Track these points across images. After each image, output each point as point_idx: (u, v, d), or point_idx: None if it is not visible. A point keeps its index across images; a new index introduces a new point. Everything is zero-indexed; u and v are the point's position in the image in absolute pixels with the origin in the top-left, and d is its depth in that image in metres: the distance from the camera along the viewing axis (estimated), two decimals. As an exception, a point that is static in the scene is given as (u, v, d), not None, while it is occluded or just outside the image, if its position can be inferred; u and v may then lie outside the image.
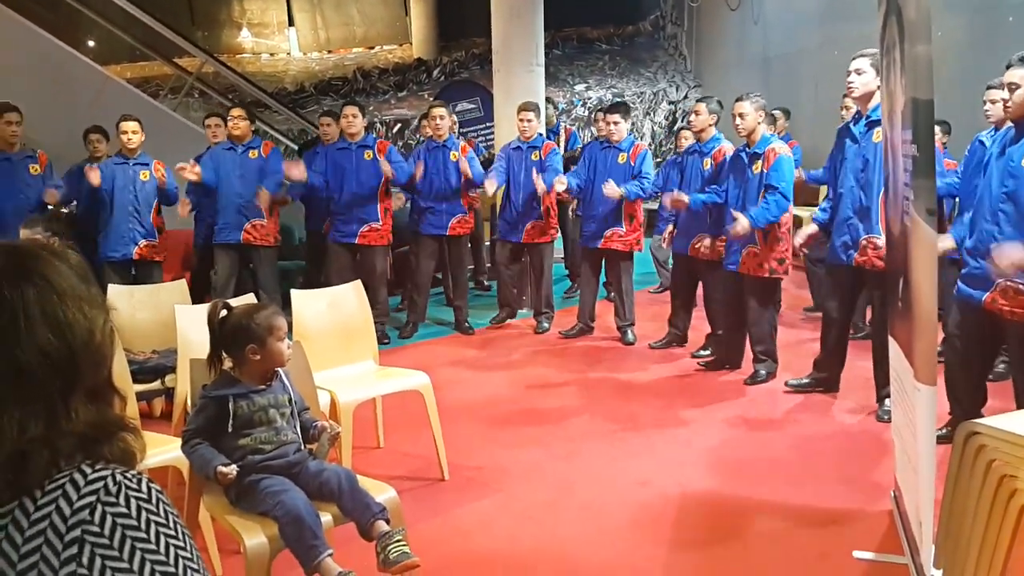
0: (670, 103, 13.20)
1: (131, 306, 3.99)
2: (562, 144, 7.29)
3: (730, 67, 12.34)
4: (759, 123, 4.71)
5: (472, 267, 8.07)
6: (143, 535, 0.90)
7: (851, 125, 4.17)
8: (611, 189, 5.51)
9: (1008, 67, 3.21)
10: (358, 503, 2.32)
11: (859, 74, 3.98)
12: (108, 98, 7.03)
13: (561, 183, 5.71)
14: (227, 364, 2.43)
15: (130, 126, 5.45)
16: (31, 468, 0.91)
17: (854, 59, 4.03)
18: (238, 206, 5.73)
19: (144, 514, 0.91)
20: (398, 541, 2.28)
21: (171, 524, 0.93)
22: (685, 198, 5.05)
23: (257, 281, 5.83)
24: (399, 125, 12.28)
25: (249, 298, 3.81)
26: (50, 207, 5.71)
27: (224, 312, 2.41)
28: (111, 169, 5.48)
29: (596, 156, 5.77)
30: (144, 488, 0.93)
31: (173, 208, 5.80)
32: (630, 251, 5.78)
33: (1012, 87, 3.16)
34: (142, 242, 5.50)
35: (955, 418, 3.57)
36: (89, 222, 5.57)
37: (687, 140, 5.71)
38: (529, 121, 5.99)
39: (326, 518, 2.32)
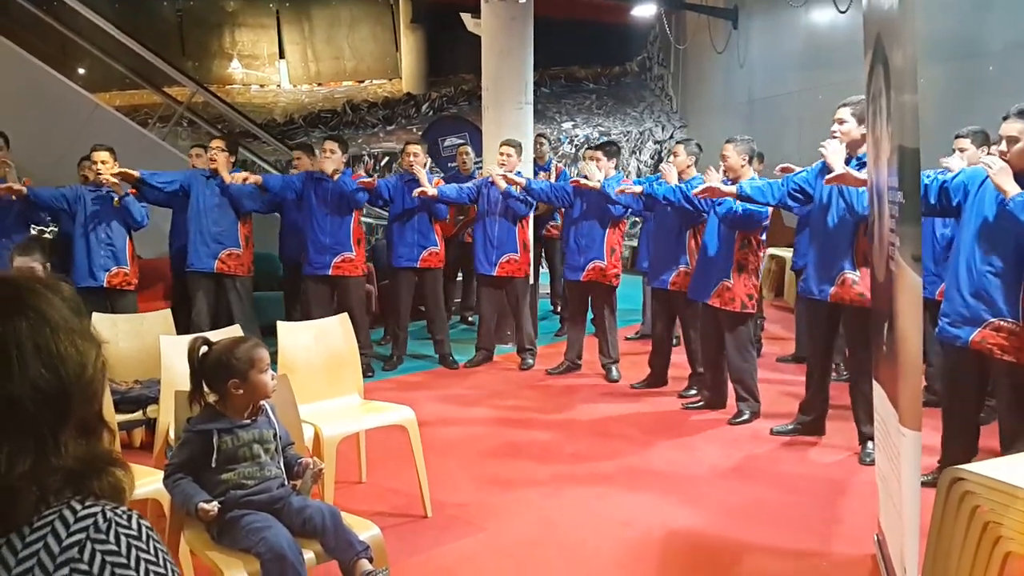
0: (656, 143, 13.36)
1: (114, 335, 3.95)
2: (553, 180, 7.36)
3: (715, 109, 12.53)
4: (742, 165, 4.78)
5: (460, 300, 8.09)
6: (132, 573, 0.89)
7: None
8: (593, 173, 5.57)
9: (1005, 118, 3.23)
10: (341, 541, 2.29)
11: (841, 123, 4.06)
12: (97, 125, 7.02)
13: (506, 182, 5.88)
14: (212, 398, 2.42)
15: (101, 156, 5.35)
16: (19, 505, 0.89)
17: (838, 108, 4.10)
18: (214, 234, 5.72)
19: (134, 552, 0.90)
20: None
21: (161, 562, 0.92)
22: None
23: (231, 312, 5.80)
24: (387, 158, 12.34)
25: (234, 330, 3.78)
26: (34, 232, 5.67)
27: (204, 348, 2.39)
28: (82, 195, 5.39)
29: (580, 192, 5.83)
30: (134, 525, 0.92)
31: (149, 238, 5.73)
32: (611, 284, 5.82)
33: (1011, 140, 3.19)
34: (114, 269, 5.40)
35: (944, 463, 3.57)
36: (66, 248, 5.52)
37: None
38: (508, 156, 6.04)
39: (308, 555, 2.29)
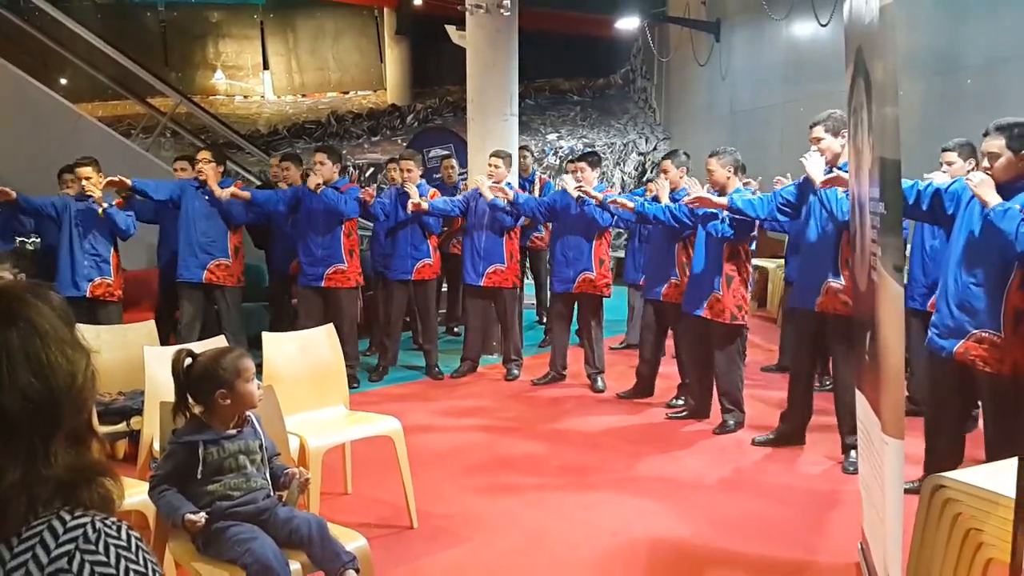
0: (640, 154, 13.45)
1: (97, 346, 3.87)
2: (536, 192, 7.41)
3: (698, 120, 12.63)
4: (728, 178, 4.83)
5: (444, 311, 8.10)
6: None
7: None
8: (576, 187, 5.60)
9: (986, 135, 3.28)
10: (328, 552, 2.29)
11: (819, 142, 4.12)
12: (80, 136, 6.99)
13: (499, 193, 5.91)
14: (197, 410, 2.40)
15: (84, 172, 5.32)
16: (8, 515, 0.89)
17: (811, 127, 4.15)
18: (202, 245, 5.71)
19: (123, 563, 0.90)
20: None
21: (150, 573, 0.92)
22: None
23: (220, 322, 5.77)
24: (372, 169, 12.34)
25: (218, 341, 3.77)
26: (16, 244, 5.63)
27: (188, 360, 2.38)
28: (68, 204, 5.38)
29: (565, 203, 5.86)
30: (123, 536, 0.92)
31: (138, 249, 5.71)
32: (600, 296, 5.84)
33: (992, 156, 3.23)
34: (97, 279, 5.38)
35: (929, 473, 3.60)
36: (50, 259, 5.48)
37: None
38: (496, 167, 6.08)
39: (295, 566, 2.28)
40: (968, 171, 3.97)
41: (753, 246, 4.92)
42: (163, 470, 2.32)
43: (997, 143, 3.21)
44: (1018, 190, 3.20)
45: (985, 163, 3.25)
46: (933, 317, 3.51)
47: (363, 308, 7.44)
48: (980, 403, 3.53)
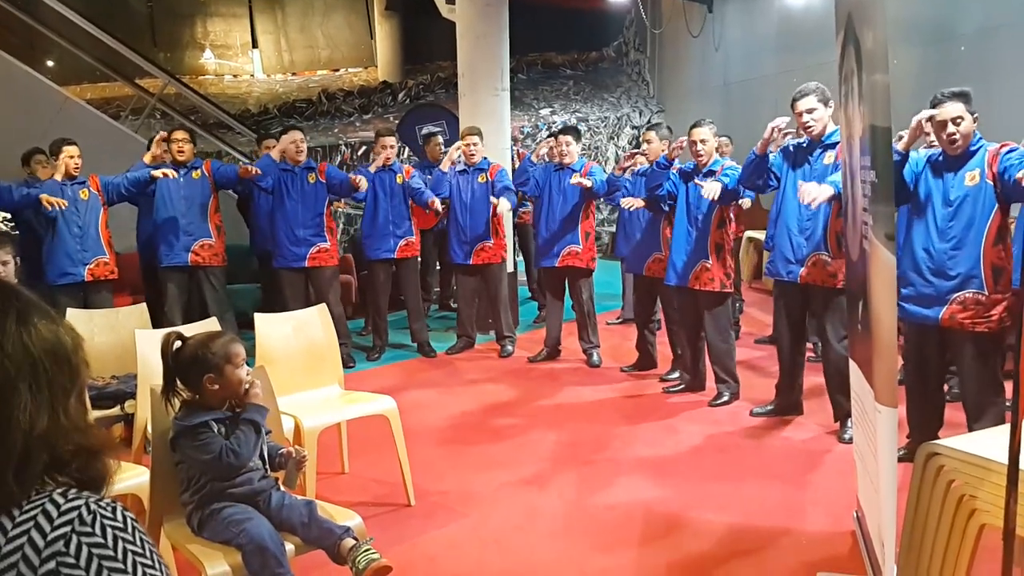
0: (633, 128, 13.36)
1: (89, 330, 3.90)
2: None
3: (692, 92, 12.54)
4: (716, 147, 4.83)
5: (438, 289, 8.09)
6: (120, 565, 0.89)
7: (803, 147, 4.24)
8: (577, 179, 5.58)
9: (936, 104, 3.35)
10: (322, 531, 2.29)
11: (811, 112, 4.08)
12: (68, 118, 6.92)
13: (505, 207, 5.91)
14: (186, 395, 2.38)
15: (76, 150, 5.30)
16: (30, 469, 0.91)
17: (799, 100, 4.10)
18: (183, 227, 5.66)
19: (120, 543, 0.90)
20: (367, 550, 2.27)
21: (147, 552, 0.92)
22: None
23: (206, 303, 5.74)
24: (364, 148, 12.25)
25: (209, 323, 3.75)
26: (3, 228, 5.58)
27: (178, 343, 2.36)
28: (51, 191, 5.25)
29: (549, 178, 5.83)
30: (119, 516, 0.92)
31: (117, 232, 5.66)
32: (588, 268, 5.82)
33: (956, 120, 3.29)
34: (92, 262, 5.31)
35: (913, 439, 3.64)
36: (31, 246, 5.34)
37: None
38: (475, 144, 6.05)
39: (288, 547, 2.29)
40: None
41: (733, 214, 4.92)
42: (211, 444, 2.27)
43: (958, 107, 3.31)
44: (971, 155, 3.35)
45: (950, 128, 3.34)
46: (904, 290, 3.54)
47: (358, 288, 7.42)
48: (959, 366, 3.58)
